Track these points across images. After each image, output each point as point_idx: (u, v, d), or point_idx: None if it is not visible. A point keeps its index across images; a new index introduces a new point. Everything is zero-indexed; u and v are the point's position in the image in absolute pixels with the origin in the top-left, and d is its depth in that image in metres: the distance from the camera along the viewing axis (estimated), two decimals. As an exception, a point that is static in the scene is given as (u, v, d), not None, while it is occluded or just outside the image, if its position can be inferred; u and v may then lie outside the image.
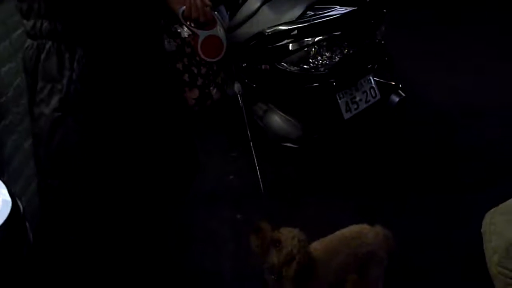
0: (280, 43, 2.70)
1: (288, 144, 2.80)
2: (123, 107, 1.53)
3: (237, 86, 2.21)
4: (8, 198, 1.33)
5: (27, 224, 1.39)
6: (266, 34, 2.72)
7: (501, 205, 1.43)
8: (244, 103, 2.41)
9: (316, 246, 1.75)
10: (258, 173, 2.22)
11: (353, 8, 2.74)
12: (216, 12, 1.71)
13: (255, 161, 2.22)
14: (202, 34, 1.69)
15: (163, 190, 1.75)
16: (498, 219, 1.38)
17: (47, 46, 1.44)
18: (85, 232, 1.59)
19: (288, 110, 2.79)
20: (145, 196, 1.68)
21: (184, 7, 1.61)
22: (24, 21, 1.48)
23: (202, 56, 1.72)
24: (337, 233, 1.85)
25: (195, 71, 1.75)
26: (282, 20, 2.76)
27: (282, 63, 2.71)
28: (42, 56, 1.45)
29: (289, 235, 1.65)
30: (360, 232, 1.82)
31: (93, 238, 1.60)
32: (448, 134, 3.28)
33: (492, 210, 1.45)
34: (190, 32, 1.67)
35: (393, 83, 3.05)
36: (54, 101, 1.46)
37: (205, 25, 1.68)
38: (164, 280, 2.05)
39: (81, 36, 1.44)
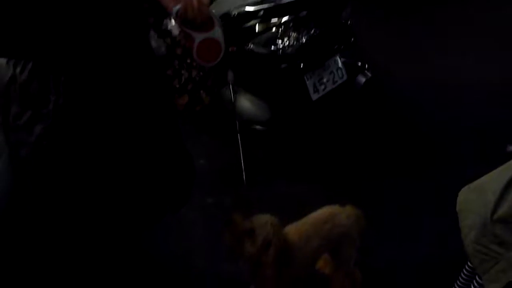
0: (247, 25, 2.66)
1: (257, 127, 2.79)
2: (115, 126, 1.40)
3: (230, 75, 2.13)
4: None
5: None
6: (232, 15, 2.67)
7: (474, 183, 1.45)
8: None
9: (290, 231, 1.75)
10: (241, 155, 2.18)
11: (319, -12, 2.72)
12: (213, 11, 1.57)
13: (240, 144, 2.17)
14: (198, 37, 1.51)
15: (163, 201, 1.67)
16: (471, 197, 1.40)
17: (28, 67, 1.27)
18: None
19: (256, 92, 2.77)
20: (146, 210, 1.60)
21: (179, 6, 1.43)
22: None
23: (198, 60, 1.56)
24: (310, 216, 1.86)
25: (186, 75, 1.62)
26: (248, 1, 2.71)
27: (249, 45, 2.68)
28: (21, 77, 1.28)
29: (261, 222, 1.63)
30: (332, 214, 1.84)
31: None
32: (420, 114, 3.29)
33: (465, 188, 1.46)
34: (181, 30, 1.51)
35: (360, 63, 3.06)
36: (38, 129, 1.31)
37: (202, 26, 1.51)
38: (131, 266, 2.00)
39: (63, 65, 1.28)
